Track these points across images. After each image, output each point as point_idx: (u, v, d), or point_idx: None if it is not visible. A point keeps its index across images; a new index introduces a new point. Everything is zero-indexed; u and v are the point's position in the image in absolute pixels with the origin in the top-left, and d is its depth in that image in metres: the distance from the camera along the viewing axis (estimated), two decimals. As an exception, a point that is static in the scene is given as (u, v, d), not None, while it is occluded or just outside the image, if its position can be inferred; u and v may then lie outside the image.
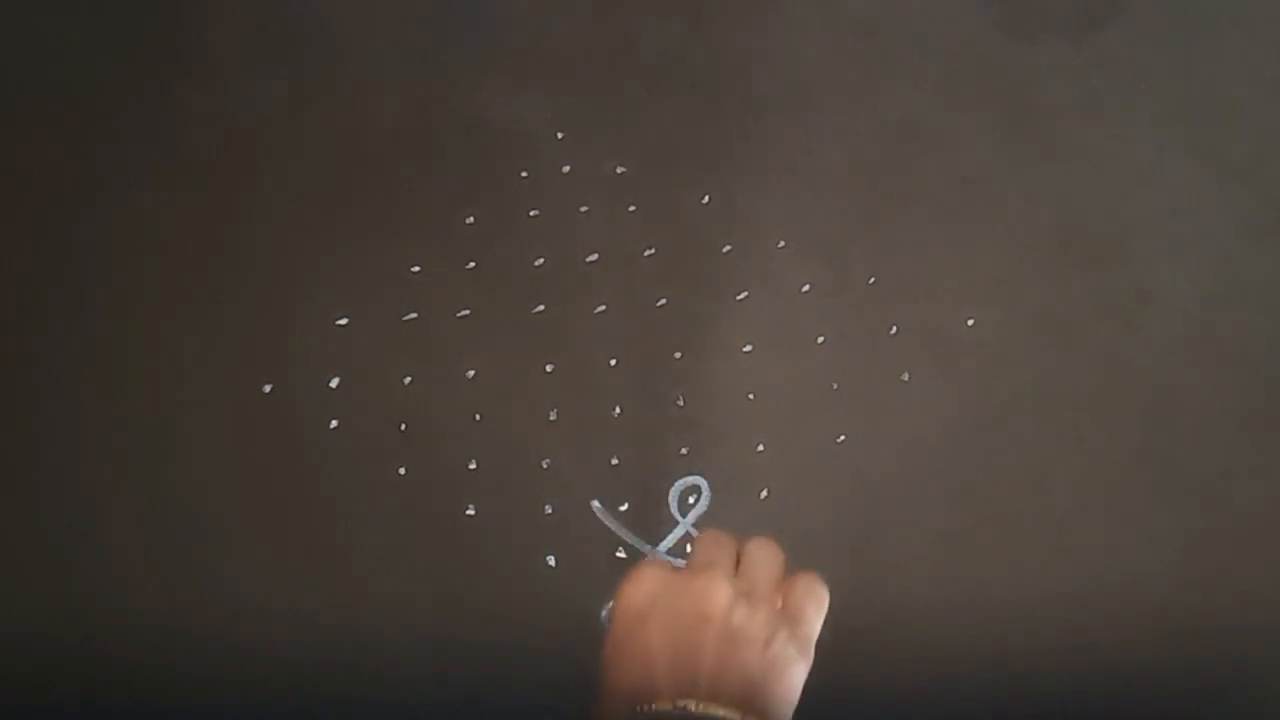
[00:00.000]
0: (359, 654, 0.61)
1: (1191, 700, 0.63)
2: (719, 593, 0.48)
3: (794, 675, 0.48)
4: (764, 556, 0.51)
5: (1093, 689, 0.63)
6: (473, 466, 0.66)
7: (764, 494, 0.66)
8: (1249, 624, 0.64)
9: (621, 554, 0.64)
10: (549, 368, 0.69)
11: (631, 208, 0.73)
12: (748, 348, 0.70)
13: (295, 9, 0.78)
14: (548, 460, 0.66)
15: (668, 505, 0.65)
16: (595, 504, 0.65)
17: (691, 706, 0.45)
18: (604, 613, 0.61)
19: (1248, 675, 0.64)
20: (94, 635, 0.62)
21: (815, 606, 0.50)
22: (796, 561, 0.64)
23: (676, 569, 0.49)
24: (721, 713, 0.45)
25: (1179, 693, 0.63)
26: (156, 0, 0.78)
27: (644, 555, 0.64)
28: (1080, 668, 0.63)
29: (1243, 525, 0.66)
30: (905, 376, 0.69)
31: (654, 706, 0.45)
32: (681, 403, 0.68)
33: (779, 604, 0.50)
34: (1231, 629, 0.64)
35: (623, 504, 0.65)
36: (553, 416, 0.68)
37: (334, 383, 0.67)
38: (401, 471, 0.65)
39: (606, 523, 0.65)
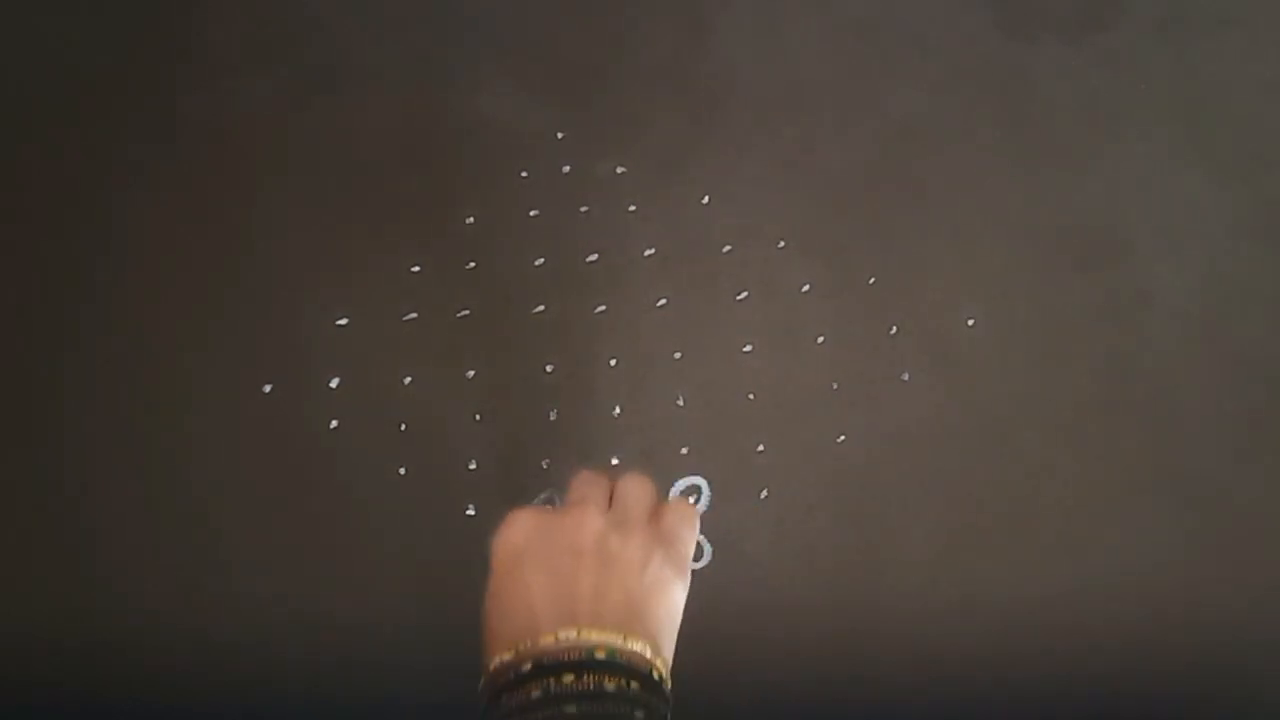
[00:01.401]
0: (359, 653, 0.61)
1: (1191, 700, 0.63)
2: (591, 524, 0.49)
3: (673, 595, 0.50)
4: (635, 487, 0.52)
5: (1093, 689, 0.63)
6: (473, 466, 0.66)
7: (764, 494, 0.66)
8: (1249, 624, 0.64)
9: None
10: (549, 368, 0.69)
11: (631, 208, 0.73)
12: (748, 348, 0.70)
13: (295, 9, 0.78)
14: (548, 460, 0.66)
15: (668, 505, 0.65)
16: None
17: (573, 635, 0.45)
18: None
19: (1248, 675, 0.64)
20: (93, 634, 0.62)
21: (688, 529, 0.51)
22: (797, 562, 0.64)
23: (548, 510, 0.50)
24: (600, 637, 0.45)
25: (1179, 693, 0.63)
26: (156, 1, 0.78)
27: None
28: (1080, 667, 0.63)
29: (1243, 525, 0.66)
30: (905, 376, 0.69)
31: (536, 643, 0.45)
32: (681, 403, 0.68)
33: (653, 530, 0.50)
34: (1231, 629, 0.64)
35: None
36: (553, 416, 0.68)
37: (334, 383, 0.67)
38: (401, 471, 0.65)
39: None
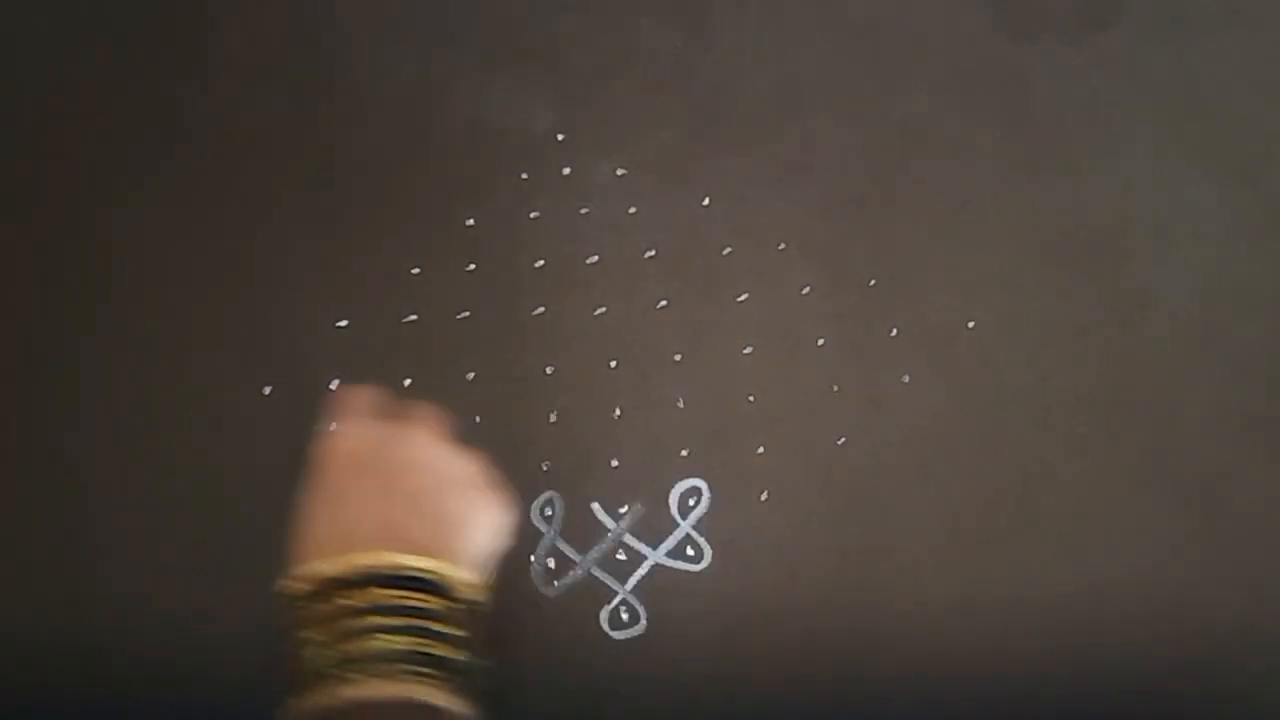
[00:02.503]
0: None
1: (1192, 701, 0.63)
2: (423, 441, 0.51)
3: (492, 519, 0.52)
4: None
5: (1093, 689, 0.63)
6: (473, 468, 0.66)
7: (764, 495, 0.66)
8: (1250, 625, 0.65)
9: (622, 556, 0.64)
10: (549, 369, 0.69)
11: (632, 209, 0.73)
12: (748, 349, 0.70)
13: (295, 9, 0.78)
14: (548, 462, 0.66)
15: (668, 507, 0.65)
16: (595, 506, 0.66)
17: (390, 558, 0.47)
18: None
19: (1248, 675, 0.64)
20: (93, 634, 0.62)
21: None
22: (797, 563, 0.64)
23: (378, 426, 0.52)
24: (418, 561, 0.47)
25: (1179, 693, 0.63)
26: (158, 3, 0.78)
27: (644, 558, 0.64)
28: (1081, 668, 0.63)
29: (1243, 525, 0.67)
30: (905, 378, 0.69)
31: (351, 556, 0.47)
32: (682, 404, 0.68)
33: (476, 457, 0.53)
34: (1231, 629, 0.64)
35: (622, 506, 0.65)
36: (553, 418, 0.68)
37: (334, 384, 0.67)
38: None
39: (606, 524, 0.65)
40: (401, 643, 0.45)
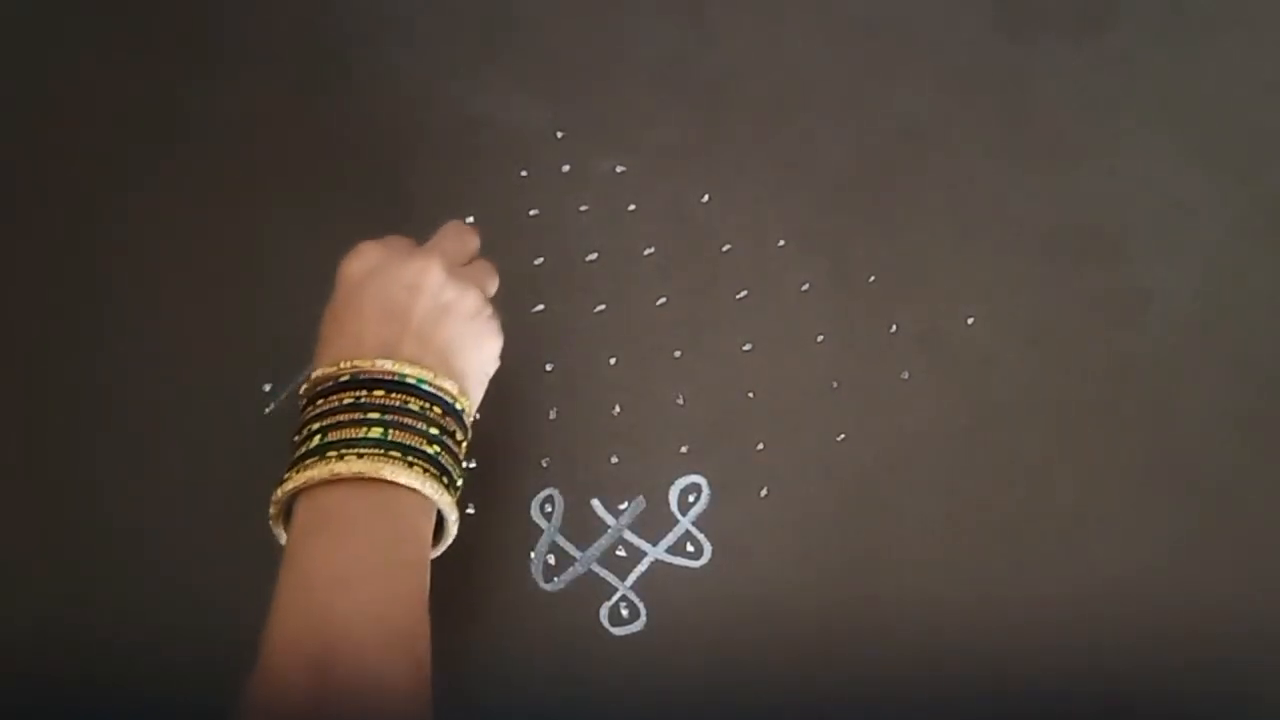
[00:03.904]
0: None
1: (1192, 701, 0.63)
2: (434, 269, 0.54)
3: (494, 347, 0.57)
4: (469, 241, 0.60)
5: (1094, 689, 0.63)
6: (473, 466, 0.66)
7: (764, 492, 0.66)
8: (1250, 625, 0.64)
9: (622, 552, 0.64)
10: (548, 366, 0.69)
11: (631, 207, 0.73)
12: (748, 347, 0.70)
13: (294, 8, 0.78)
14: (547, 458, 0.66)
15: (668, 504, 0.65)
16: (595, 502, 0.65)
17: (389, 365, 0.51)
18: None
19: (1248, 675, 0.64)
20: (92, 634, 0.62)
21: (493, 285, 0.60)
22: (797, 560, 0.64)
23: (400, 246, 0.56)
24: (416, 371, 0.51)
25: (1179, 694, 0.63)
26: (156, 1, 0.78)
27: (643, 554, 0.64)
28: (1081, 668, 0.63)
29: (1243, 526, 0.66)
30: (905, 376, 0.69)
31: (355, 363, 0.51)
32: (681, 402, 0.68)
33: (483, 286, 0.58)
34: (1232, 628, 0.64)
35: (622, 503, 0.65)
36: (553, 416, 0.68)
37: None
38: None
39: (606, 521, 0.65)
40: (391, 434, 0.49)
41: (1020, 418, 0.68)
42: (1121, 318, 0.71)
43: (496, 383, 0.67)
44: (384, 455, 0.48)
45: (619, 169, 0.74)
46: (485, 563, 0.64)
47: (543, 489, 0.66)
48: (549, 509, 0.65)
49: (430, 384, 0.51)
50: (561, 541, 0.64)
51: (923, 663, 0.62)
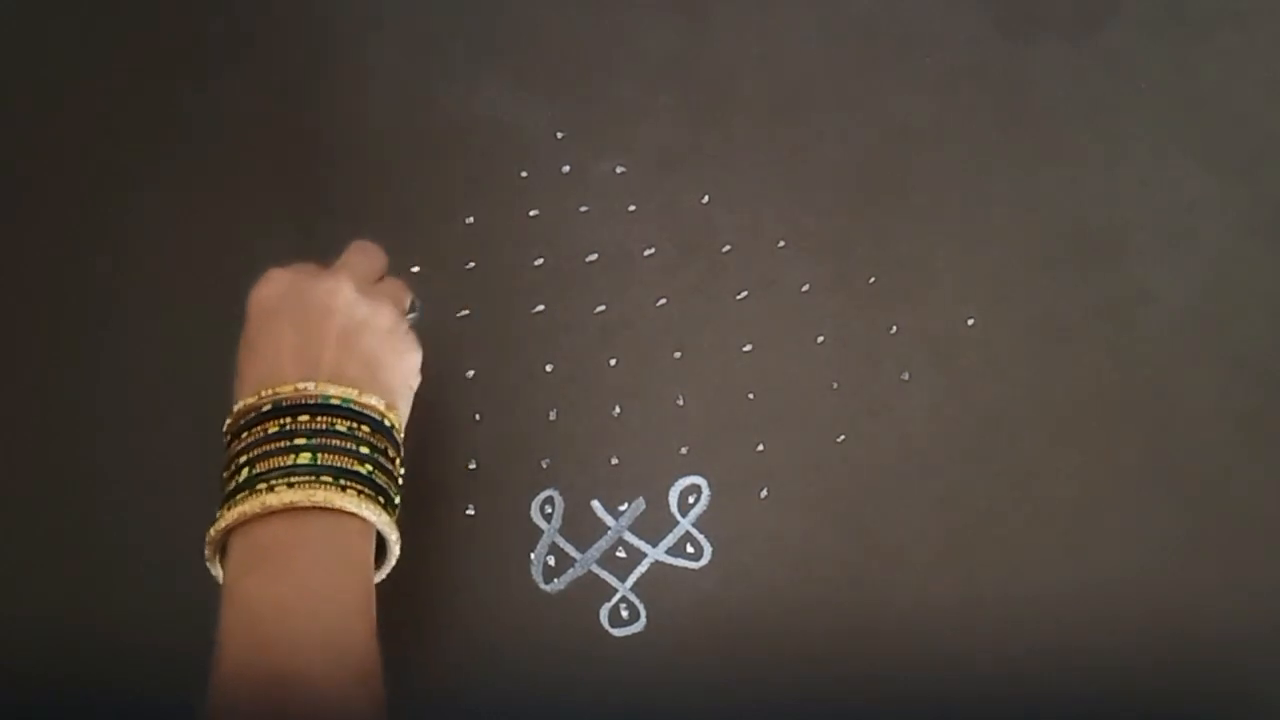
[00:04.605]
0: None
1: (1192, 701, 0.63)
2: (344, 289, 0.53)
3: (414, 359, 0.56)
4: (375, 260, 0.58)
5: (1093, 690, 0.63)
6: (473, 466, 0.66)
7: (764, 493, 0.66)
8: (1250, 625, 0.64)
9: (622, 553, 0.64)
10: (549, 368, 0.69)
11: (631, 207, 0.73)
12: (748, 347, 0.70)
13: (294, 8, 0.78)
14: (547, 460, 0.66)
15: (668, 505, 0.65)
16: (595, 503, 0.65)
17: (311, 388, 0.50)
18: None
19: (1248, 675, 0.64)
20: (92, 634, 0.62)
21: (406, 299, 0.59)
22: (797, 561, 0.64)
23: (308, 269, 0.54)
24: (339, 390, 0.50)
25: (1179, 693, 0.63)
26: (156, 1, 0.78)
27: (643, 555, 0.64)
28: (1081, 668, 0.63)
29: (1243, 526, 0.66)
30: (905, 376, 0.69)
31: (276, 390, 0.50)
32: (681, 402, 0.68)
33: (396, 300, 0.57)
34: (1231, 629, 0.64)
35: (622, 504, 0.65)
36: (553, 416, 0.68)
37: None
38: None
39: (606, 522, 0.65)
40: (320, 459, 0.48)
41: (1020, 418, 0.68)
42: (1122, 318, 0.71)
43: (497, 383, 0.68)
44: (315, 481, 0.47)
45: (619, 169, 0.74)
46: (485, 564, 0.64)
47: (543, 490, 0.66)
48: (549, 510, 0.65)
49: (355, 402, 0.50)
50: (561, 543, 0.64)
51: (922, 663, 0.62)
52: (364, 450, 0.50)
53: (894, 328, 0.70)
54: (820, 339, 0.70)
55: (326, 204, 0.72)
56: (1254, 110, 0.77)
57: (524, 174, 0.74)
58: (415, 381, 0.56)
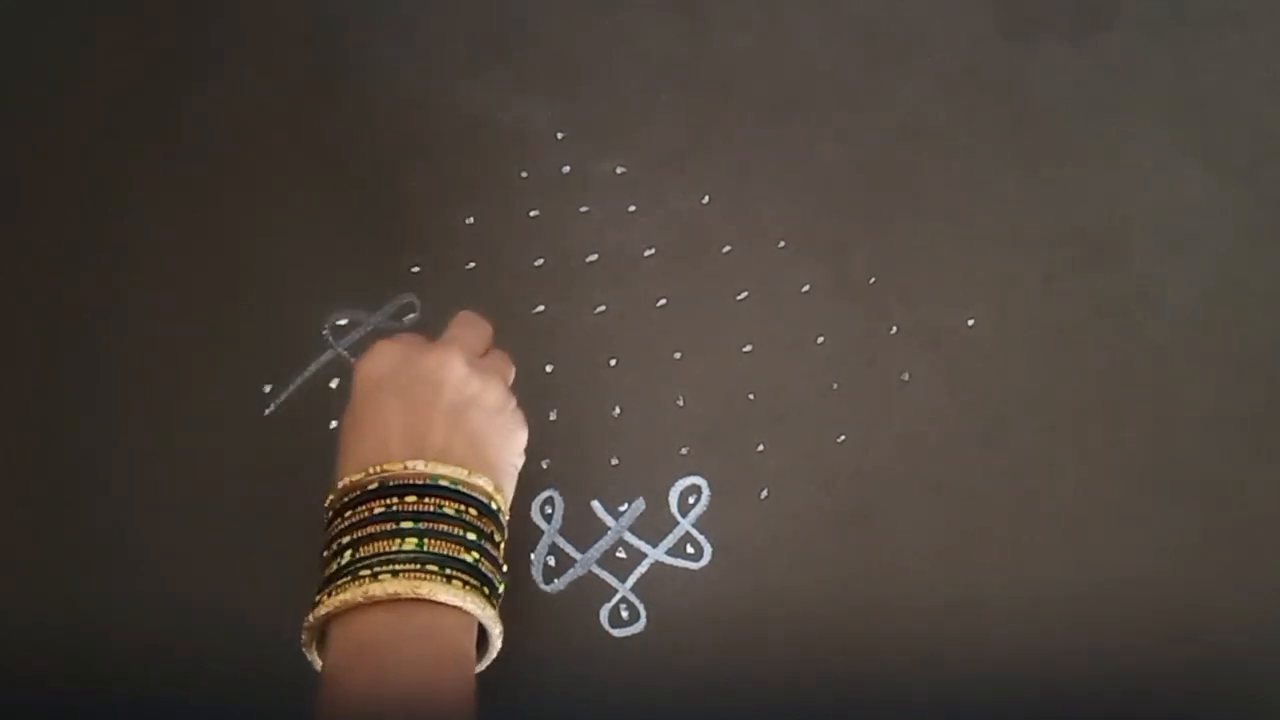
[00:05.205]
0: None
1: (1192, 701, 0.63)
2: (454, 364, 0.52)
3: (521, 439, 0.55)
4: (483, 332, 0.57)
5: (1093, 690, 0.62)
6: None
7: (764, 494, 0.66)
8: (1250, 625, 0.64)
9: (622, 554, 0.64)
10: (549, 367, 0.69)
11: (631, 208, 0.73)
12: (748, 348, 0.70)
13: (294, 9, 0.78)
14: (547, 460, 0.66)
15: (668, 505, 0.65)
16: (595, 504, 0.65)
17: (420, 467, 0.48)
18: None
19: (1248, 675, 0.64)
20: (92, 634, 0.62)
21: (511, 374, 0.59)
22: (797, 562, 0.64)
23: (416, 342, 0.53)
24: (448, 470, 0.49)
25: (1180, 693, 0.63)
26: (156, 1, 0.78)
27: (644, 556, 0.64)
28: (1081, 669, 0.63)
29: (1244, 526, 0.66)
30: (905, 376, 0.69)
31: (384, 468, 0.48)
32: (681, 403, 0.68)
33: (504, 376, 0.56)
34: (1233, 630, 0.64)
35: (622, 504, 0.65)
36: (553, 416, 0.68)
37: (334, 383, 0.67)
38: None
39: (606, 522, 0.65)
40: (426, 544, 0.47)
41: (1020, 418, 0.68)
42: (1122, 318, 0.71)
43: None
44: (421, 571, 0.46)
45: (619, 169, 0.74)
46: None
47: (543, 490, 0.66)
48: (549, 510, 0.65)
49: (464, 483, 0.49)
50: (562, 543, 0.64)
51: (923, 663, 0.62)
52: (471, 537, 0.48)
53: (894, 328, 0.70)
54: (820, 340, 0.70)
55: (328, 203, 0.72)
56: (1255, 111, 0.77)
57: (524, 174, 0.74)
58: (519, 461, 0.55)
